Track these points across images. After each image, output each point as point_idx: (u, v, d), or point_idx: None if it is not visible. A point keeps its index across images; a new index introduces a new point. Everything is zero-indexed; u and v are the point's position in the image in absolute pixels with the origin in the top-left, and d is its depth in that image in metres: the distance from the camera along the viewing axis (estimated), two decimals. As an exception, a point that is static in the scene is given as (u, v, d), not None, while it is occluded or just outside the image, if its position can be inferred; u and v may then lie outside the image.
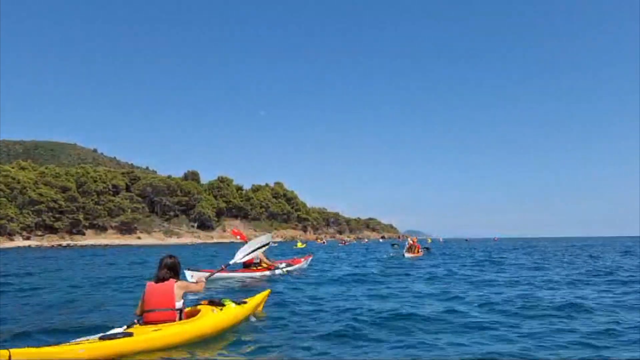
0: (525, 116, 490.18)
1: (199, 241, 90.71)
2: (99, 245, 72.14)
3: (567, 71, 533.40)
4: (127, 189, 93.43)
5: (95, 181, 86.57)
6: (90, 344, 4.53)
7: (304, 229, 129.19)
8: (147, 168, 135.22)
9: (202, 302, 6.31)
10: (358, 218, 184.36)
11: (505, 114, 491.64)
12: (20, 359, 3.98)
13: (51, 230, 78.33)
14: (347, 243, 73.01)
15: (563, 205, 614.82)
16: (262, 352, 5.18)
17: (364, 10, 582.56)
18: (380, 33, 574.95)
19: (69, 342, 4.62)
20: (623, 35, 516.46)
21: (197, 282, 6.53)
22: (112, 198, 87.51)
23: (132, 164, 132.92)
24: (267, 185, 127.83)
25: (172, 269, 5.77)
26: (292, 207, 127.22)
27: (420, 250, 28.38)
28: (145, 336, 4.93)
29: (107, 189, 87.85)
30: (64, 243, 74.51)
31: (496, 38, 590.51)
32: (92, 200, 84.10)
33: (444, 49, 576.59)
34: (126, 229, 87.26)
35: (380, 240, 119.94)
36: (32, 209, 75.10)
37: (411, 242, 28.60)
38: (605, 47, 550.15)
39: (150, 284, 5.66)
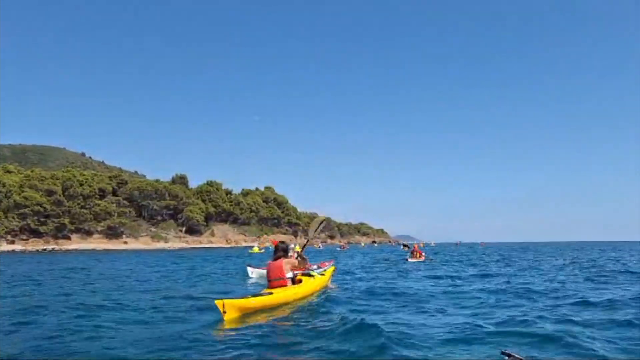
0: (515, 121, 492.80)
1: (187, 246, 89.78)
2: (85, 250, 71.15)
3: (562, 73, 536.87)
4: (114, 192, 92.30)
5: (81, 185, 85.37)
6: (257, 298, 7.69)
7: (295, 234, 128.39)
8: (135, 172, 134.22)
9: (299, 275, 9.46)
10: (349, 223, 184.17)
11: (498, 118, 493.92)
12: (233, 309, 6.99)
13: (36, 234, 77.11)
14: (346, 248, 73.49)
15: (550, 211, 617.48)
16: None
17: (353, 15, 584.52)
18: (370, 38, 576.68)
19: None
20: (620, 36, 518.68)
21: (296, 259, 9.84)
22: (99, 202, 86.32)
23: (120, 167, 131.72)
24: (257, 189, 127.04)
25: (284, 251, 9.25)
26: (283, 212, 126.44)
27: (422, 255, 29.14)
28: (277, 295, 8.14)
29: (93, 193, 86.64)
30: (49, 247, 73.46)
31: (482, 40, 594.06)
32: (78, 204, 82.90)
33: (433, 50, 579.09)
34: (112, 233, 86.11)
35: (375, 245, 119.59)
36: (17, 212, 73.94)
37: (415, 247, 30.36)
38: (603, 49, 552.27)
39: (270, 262, 9.04)
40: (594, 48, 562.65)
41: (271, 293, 8.09)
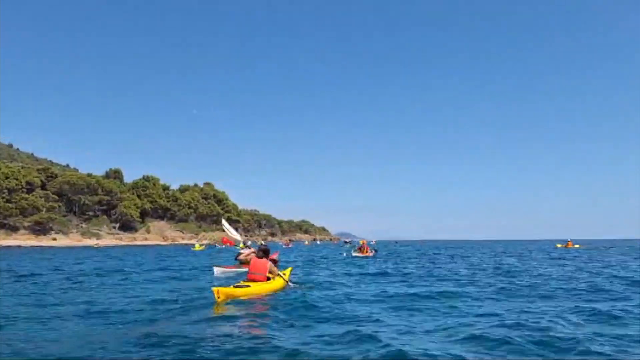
0: (459, 121, 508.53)
1: (121, 243, 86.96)
2: (10, 246, 67.44)
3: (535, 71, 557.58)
4: (43, 186, 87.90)
5: (6, 177, 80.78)
6: (241, 289, 9.72)
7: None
8: (67, 166, 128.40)
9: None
10: (291, 220, 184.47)
11: (439, 117, 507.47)
12: (224, 295, 9.02)
13: (-45, 229, 72.42)
14: (289, 245, 74.07)
15: (490, 210, 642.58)
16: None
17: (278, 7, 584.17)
18: (309, 29, 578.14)
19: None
20: (619, 34, 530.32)
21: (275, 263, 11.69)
22: (26, 196, 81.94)
23: (50, 161, 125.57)
24: (196, 185, 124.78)
25: (266, 252, 11.23)
26: (223, 209, 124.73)
27: (369, 251, 33.35)
28: (254, 287, 10.08)
29: (20, 186, 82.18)
30: (-31, 244, 69.08)
31: (455, 39, 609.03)
32: (2, 198, 78.47)
33: (382, 50, 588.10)
34: (40, 229, 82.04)
35: (318, 242, 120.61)
36: None
37: (361, 244, 35.01)
38: (599, 45, 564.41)
39: (254, 258, 11.09)
40: (591, 45, 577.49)
41: (249, 286, 10.11)
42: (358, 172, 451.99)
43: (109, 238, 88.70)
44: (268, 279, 10.84)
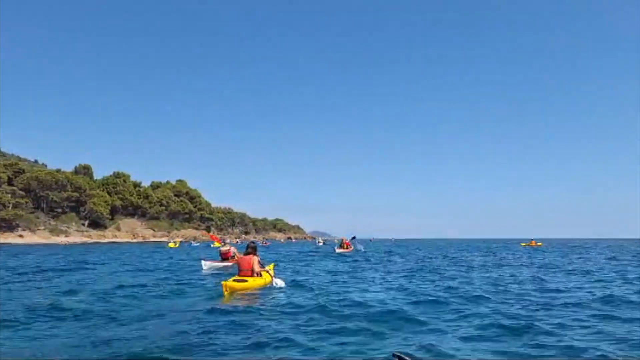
0: (433, 119, 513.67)
1: (90, 240, 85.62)
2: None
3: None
4: (9, 182, 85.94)
5: (-29, 173, 78.90)
6: (242, 283, 11.29)
7: (208, 229, 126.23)
8: (35, 161, 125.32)
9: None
10: (265, 218, 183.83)
11: (412, 115, 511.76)
12: (230, 289, 10.73)
13: None
14: (267, 244, 74.57)
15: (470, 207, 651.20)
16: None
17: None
18: (282, 28, 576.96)
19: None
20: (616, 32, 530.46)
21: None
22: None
23: (18, 156, 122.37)
24: (168, 182, 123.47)
25: (254, 249, 12.34)
26: (195, 206, 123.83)
27: (350, 246, 38.02)
28: (251, 282, 11.43)
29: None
30: None
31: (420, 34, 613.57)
32: (-34, 193, 76.55)
33: (345, 49, 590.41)
34: (6, 226, 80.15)
35: (293, 241, 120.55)
36: None
37: (342, 240, 38.80)
38: (598, 39, 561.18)
39: (241, 256, 12.42)
40: (579, 39, 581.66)
41: (246, 280, 11.47)
42: (333, 171, 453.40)
43: (77, 235, 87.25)
44: (258, 274, 12.08)
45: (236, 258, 18.65)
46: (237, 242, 73.58)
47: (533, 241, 64.78)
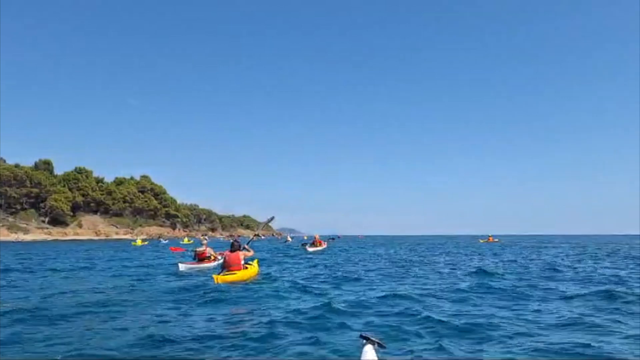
0: (402, 117, 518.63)
1: (50, 238, 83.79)
2: None
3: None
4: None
5: None
6: (231, 275, 12.67)
7: (173, 226, 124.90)
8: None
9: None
10: (232, 215, 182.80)
11: (374, 113, 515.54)
12: (221, 281, 12.10)
13: None
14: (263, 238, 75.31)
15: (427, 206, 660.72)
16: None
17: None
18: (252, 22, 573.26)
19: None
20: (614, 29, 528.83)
21: (248, 251, 14.08)
22: (-56, 188, 77.58)
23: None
24: (132, 178, 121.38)
25: (238, 245, 13.75)
26: (160, 203, 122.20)
27: (322, 244, 35.47)
28: (238, 274, 12.85)
29: (-62, 178, 77.68)
30: None
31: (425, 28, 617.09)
32: None
33: (325, 46, 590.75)
34: (-39, 222, 77.88)
35: (262, 238, 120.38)
36: None
37: (315, 238, 36.39)
38: (597, 31, 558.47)
39: (228, 253, 13.51)
40: (578, 32, 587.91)
41: (234, 273, 12.91)
42: (301, 168, 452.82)
43: (37, 232, 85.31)
44: (244, 267, 13.58)
45: (212, 258, 18.55)
46: (235, 239, 73.92)
47: (490, 237, 67.97)
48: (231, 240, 14.96)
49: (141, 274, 16.01)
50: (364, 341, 3.35)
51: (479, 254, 29.70)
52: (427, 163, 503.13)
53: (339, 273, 15.72)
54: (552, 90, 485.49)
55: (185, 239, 73.35)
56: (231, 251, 13.44)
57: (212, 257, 18.48)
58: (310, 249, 32.14)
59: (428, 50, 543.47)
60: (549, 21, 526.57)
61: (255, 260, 15.22)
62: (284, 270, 17.51)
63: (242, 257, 13.44)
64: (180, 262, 17.83)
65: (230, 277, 12.55)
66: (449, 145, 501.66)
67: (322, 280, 13.72)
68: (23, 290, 11.04)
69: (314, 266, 19.36)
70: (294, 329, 6.68)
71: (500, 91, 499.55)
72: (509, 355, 5.39)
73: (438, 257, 26.40)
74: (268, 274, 14.88)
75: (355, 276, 14.47)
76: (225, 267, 13.24)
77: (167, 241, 69.69)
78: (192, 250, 19.74)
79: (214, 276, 12.12)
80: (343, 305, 8.61)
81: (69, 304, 8.75)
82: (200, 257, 18.25)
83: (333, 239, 51.14)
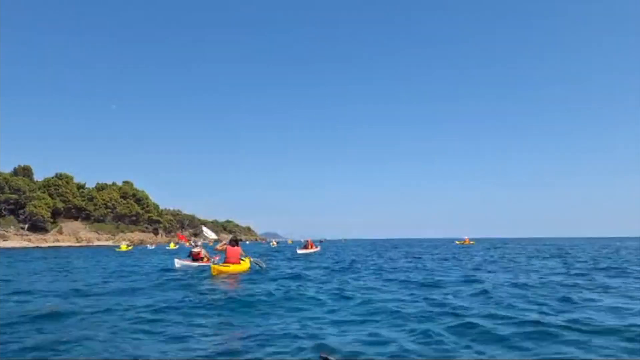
0: (385, 119, 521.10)
1: (30, 245, 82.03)
2: None
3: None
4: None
5: None
6: (228, 267, 15.57)
7: (155, 232, 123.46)
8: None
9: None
10: (215, 220, 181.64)
11: (356, 115, 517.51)
12: (217, 271, 15.02)
13: None
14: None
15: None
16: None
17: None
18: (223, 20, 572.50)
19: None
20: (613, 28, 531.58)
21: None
22: None
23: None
24: (114, 184, 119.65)
25: (237, 242, 16.55)
26: (143, 208, 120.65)
27: (314, 246, 40.03)
28: (234, 267, 15.66)
29: None
30: None
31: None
32: None
33: (300, 46, 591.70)
34: (-63, 230, 75.85)
35: (247, 242, 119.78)
36: None
37: (308, 241, 41.00)
38: (596, 31, 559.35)
39: (229, 247, 16.14)
40: (578, 32, 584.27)
41: (230, 266, 15.21)
42: (284, 173, 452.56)
43: (16, 239, 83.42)
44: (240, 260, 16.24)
45: (205, 260, 20.63)
46: (233, 237, 74.10)
47: (467, 239, 70.53)
48: (231, 237, 17.64)
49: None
50: None
51: (416, 257, 30.26)
52: (411, 167, 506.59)
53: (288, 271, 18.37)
54: (532, 92, 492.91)
55: (172, 244, 73.43)
56: (232, 246, 16.21)
57: (206, 259, 20.55)
58: (300, 251, 36.45)
59: (400, 55, 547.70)
60: (548, 20, 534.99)
61: (247, 258, 17.54)
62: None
63: (241, 252, 16.29)
64: (177, 259, 20.72)
65: (225, 269, 15.03)
66: (431, 148, 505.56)
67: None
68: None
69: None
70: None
71: (475, 93, 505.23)
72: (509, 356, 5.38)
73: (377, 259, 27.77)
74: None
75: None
76: (225, 258, 15.95)
77: (153, 246, 73.00)
78: (190, 250, 21.56)
79: (212, 266, 14.79)
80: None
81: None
82: (195, 257, 20.65)
83: (322, 241, 53.43)
